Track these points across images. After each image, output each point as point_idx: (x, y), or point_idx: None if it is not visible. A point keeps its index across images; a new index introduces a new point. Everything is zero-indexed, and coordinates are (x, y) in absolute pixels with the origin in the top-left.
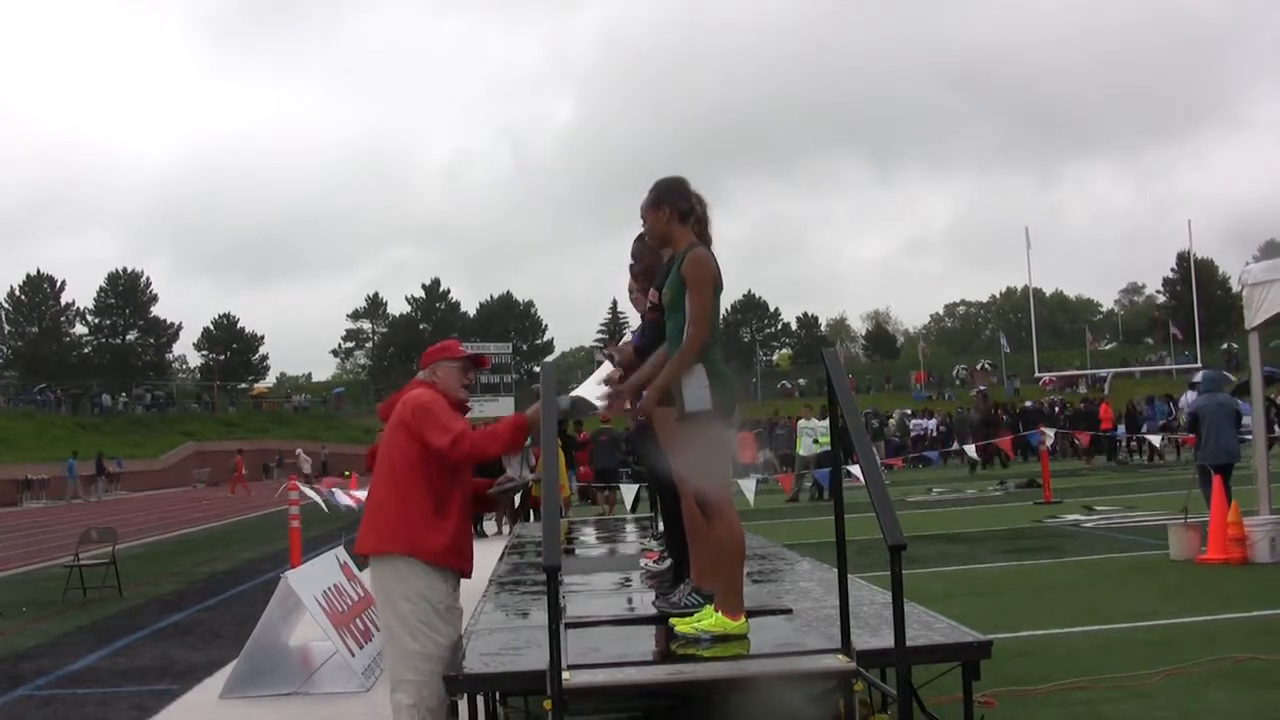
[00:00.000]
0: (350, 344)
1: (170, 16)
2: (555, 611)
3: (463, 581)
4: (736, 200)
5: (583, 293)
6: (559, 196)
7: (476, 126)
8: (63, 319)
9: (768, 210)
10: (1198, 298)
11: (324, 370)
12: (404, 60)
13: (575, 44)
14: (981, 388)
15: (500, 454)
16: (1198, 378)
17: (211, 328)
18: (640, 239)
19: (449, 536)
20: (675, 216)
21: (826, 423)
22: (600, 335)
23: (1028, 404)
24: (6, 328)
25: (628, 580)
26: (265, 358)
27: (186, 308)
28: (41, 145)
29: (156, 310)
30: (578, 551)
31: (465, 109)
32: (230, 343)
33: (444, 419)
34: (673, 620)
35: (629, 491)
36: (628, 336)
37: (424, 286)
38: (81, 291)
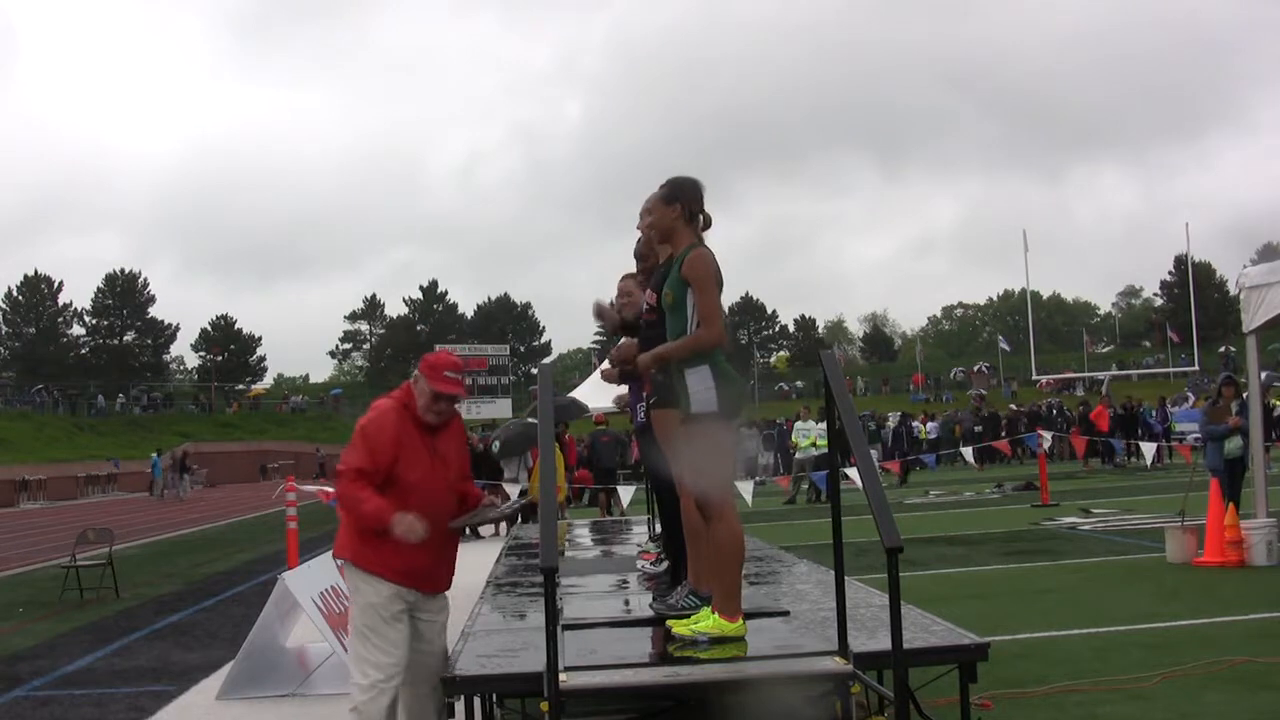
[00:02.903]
0: (348, 345)
1: (176, 15)
2: (552, 613)
3: (460, 583)
4: (737, 202)
5: (581, 294)
6: (561, 198)
7: (479, 128)
8: (60, 320)
9: (766, 212)
10: (1195, 300)
11: (321, 372)
12: (411, 62)
13: (584, 46)
14: (980, 391)
15: (359, 525)
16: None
17: (209, 329)
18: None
19: (387, 552)
20: (684, 215)
21: (823, 425)
22: (598, 337)
23: (1013, 407)
24: (4, 328)
25: (625, 582)
26: (263, 359)
27: (184, 309)
28: (40, 144)
29: (154, 311)
30: (575, 553)
31: (471, 111)
32: (228, 344)
33: (360, 448)
34: (670, 622)
35: (626, 493)
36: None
37: (421, 288)
38: (79, 292)
